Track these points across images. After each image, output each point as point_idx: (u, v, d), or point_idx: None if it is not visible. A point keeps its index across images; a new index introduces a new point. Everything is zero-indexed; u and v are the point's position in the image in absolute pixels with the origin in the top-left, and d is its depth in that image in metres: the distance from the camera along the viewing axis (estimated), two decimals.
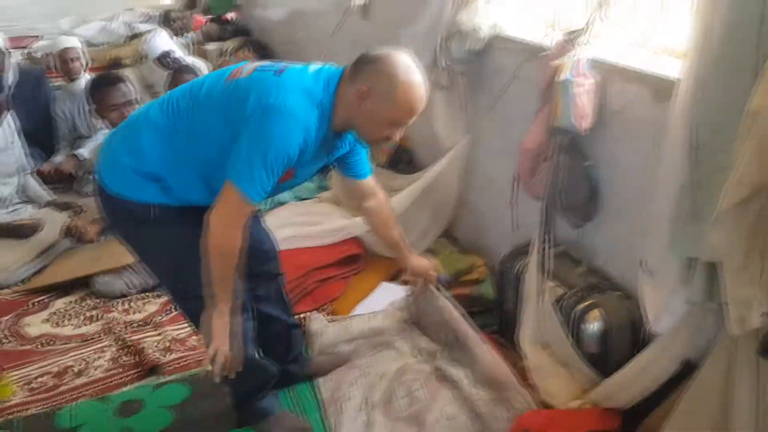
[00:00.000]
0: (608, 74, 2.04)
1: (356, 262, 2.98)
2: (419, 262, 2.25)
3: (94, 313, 2.84)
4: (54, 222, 3.30)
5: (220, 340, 1.74)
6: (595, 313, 2.02)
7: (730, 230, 1.38)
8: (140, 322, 2.76)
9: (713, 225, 1.40)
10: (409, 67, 1.70)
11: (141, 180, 1.81)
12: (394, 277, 2.94)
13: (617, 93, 2.02)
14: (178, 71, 3.79)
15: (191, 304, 1.91)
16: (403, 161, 3.55)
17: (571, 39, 2.11)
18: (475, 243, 3.03)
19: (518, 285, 2.37)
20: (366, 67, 1.70)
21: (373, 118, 1.73)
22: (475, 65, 2.71)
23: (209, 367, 1.81)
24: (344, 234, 3.01)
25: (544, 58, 2.17)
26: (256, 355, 2.05)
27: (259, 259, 2.10)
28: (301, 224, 3.20)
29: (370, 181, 2.09)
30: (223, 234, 1.68)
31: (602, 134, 2.10)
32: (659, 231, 1.70)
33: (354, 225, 3.02)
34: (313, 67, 1.78)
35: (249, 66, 1.80)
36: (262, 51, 6.40)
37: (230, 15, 7.89)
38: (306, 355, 2.42)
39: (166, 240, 1.85)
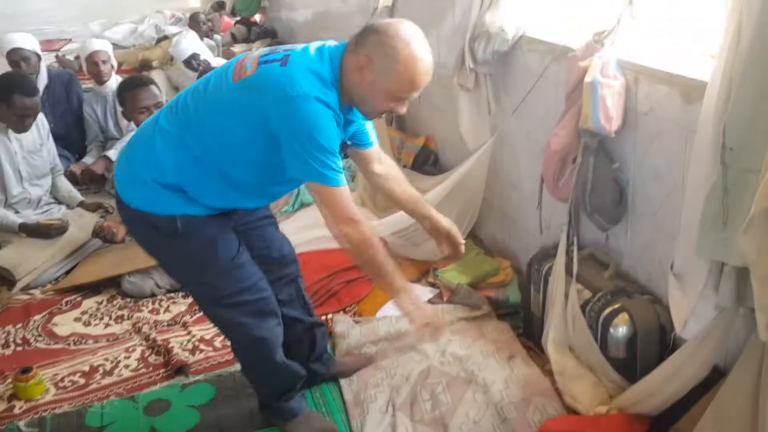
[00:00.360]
0: (637, 75, 2.01)
1: None
2: (448, 224, 2.04)
3: (123, 312, 2.89)
4: (84, 223, 3.36)
5: (425, 314, 1.79)
6: (623, 317, 1.99)
7: (761, 236, 1.35)
8: (168, 322, 2.79)
9: (743, 230, 1.38)
10: (413, 39, 1.64)
11: (163, 192, 1.79)
12: (419, 279, 2.94)
13: (646, 94, 1.99)
14: (205, 73, 3.83)
15: (220, 312, 1.94)
16: (429, 163, 3.55)
17: (599, 39, 2.08)
18: (501, 245, 3.01)
19: (545, 288, 2.35)
20: (368, 38, 1.65)
21: (374, 91, 1.68)
22: (501, 66, 2.69)
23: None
24: None
25: (572, 58, 2.15)
26: (284, 360, 2.07)
27: (279, 264, 2.12)
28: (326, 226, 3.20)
29: (376, 149, 2.02)
30: (349, 231, 1.69)
31: (630, 136, 2.07)
32: (688, 235, 1.68)
33: (379, 227, 3.02)
34: (314, 46, 1.73)
35: (251, 60, 1.73)
36: None
37: (257, 17, 7.97)
38: (330, 355, 2.42)
39: (194, 251, 1.85)
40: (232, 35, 7.43)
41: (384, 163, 2.06)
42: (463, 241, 2.06)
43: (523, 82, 2.58)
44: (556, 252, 2.31)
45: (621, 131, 2.06)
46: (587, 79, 2.02)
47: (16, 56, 4.00)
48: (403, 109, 1.75)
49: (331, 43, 1.76)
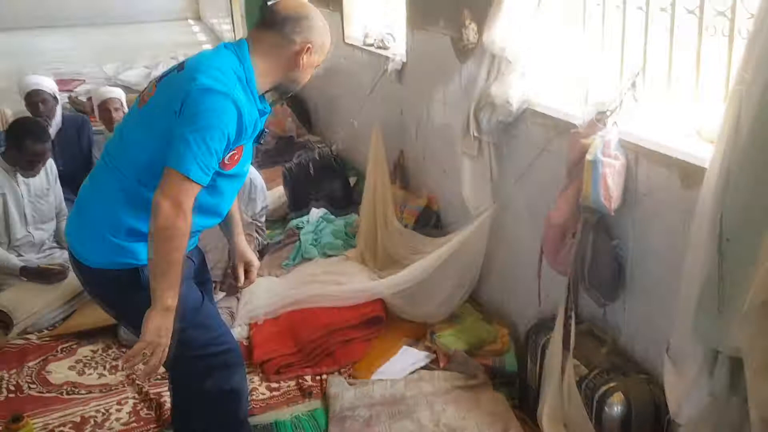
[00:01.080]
0: (638, 155, 2.05)
1: (379, 324, 2.98)
2: (248, 251, 2.18)
3: (117, 362, 2.88)
4: None
5: (164, 337, 1.68)
6: (618, 396, 1.99)
7: (755, 328, 1.36)
8: (161, 375, 2.77)
9: (738, 321, 1.39)
10: (319, 13, 1.88)
11: (122, 242, 1.79)
12: (416, 341, 2.93)
13: (646, 175, 2.03)
14: None
15: (188, 365, 1.89)
16: (431, 224, 3.58)
17: (601, 117, 2.14)
18: (499, 310, 3.01)
19: (542, 360, 2.34)
20: (300, 25, 1.81)
21: (310, 67, 1.88)
22: (505, 136, 2.75)
23: (132, 365, 1.72)
24: (369, 295, 3.03)
25: (575, 134, 2.20)
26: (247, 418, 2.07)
27: None
28: (326, 282, 3.23)
29: None
30: (169, 214, 1.63)
31: (630, 214, 2.11)
32: (684, 318, 1.69)
33: (379, 287, 3.03)
34: (208, 52, 1.84)
35: (150, 86, 1.84)
36: (299, 104, 6.54)
37: None
38: None
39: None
40: None
41: None
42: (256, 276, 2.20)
43: (526, 153, 2.63)
44: (554, 324, 2.32)
45: (621, 209, 2.09)
46: (589, 156, 2.06)
47: (35, 97, 4.09)
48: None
49: (228, 42, 1.86)
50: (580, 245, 2.18)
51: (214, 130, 1.66)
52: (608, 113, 2.15)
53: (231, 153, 1.76)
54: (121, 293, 1.85)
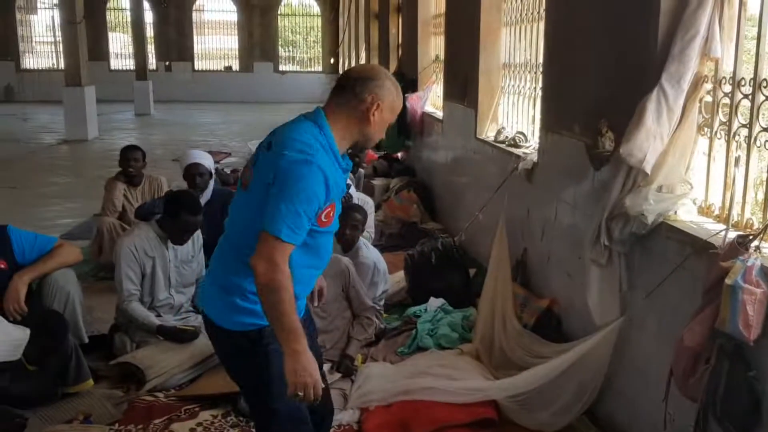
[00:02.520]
0: None
1: (491, 427, 2.93)
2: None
3: (235, 430, 2.99)
4: None
5: (302, 376, 1.87)
6: None
7: None
8: None
9: None
10: (392, 78, 2.08)
11: (249, 305, 1.99)
12: None
13: None
14: (348, 209, 4.10)
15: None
16: (551, 327, 3.51)
17: (743, 242, 2.07)
18: (619, 428, 2.87)
19: None
20: (370, 85, 2.01)
21: (382, 124, 2.05)
22: (637, 248, 2.70)
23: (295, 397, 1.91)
24: (482, 396, 2.99)
25: (713, 256, 2.13)
26: None
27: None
28: (439, 376, 3.22)
29: None
30: (266, 270, 1.84)
31: None
32: None
33: (494, 388, 2.99)
34: (289, 124, 2.03)
35: (247, 172, 2.05)
36: (425, 192, 6.73)
37: (400, 154, 8.44)
38: None
39: (274, 361, 1.97)
40: (374, 168, 7.88)
41: None
42: None
43: (658, 268, 2.56)
44: None
45: (761, 339, 1.98)
46: (728, 281, 1.99)
47: (194, 170, 4.51)
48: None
49: (306, 114, 2.05)
50: (714, 372, 2.07)
51: (302, 193, 1.87)
52: (751, 237, 2.08)
53: (326, 211, 1.96)
54: (245, 353, 2.04)
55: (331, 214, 2.00)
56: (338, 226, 2.12)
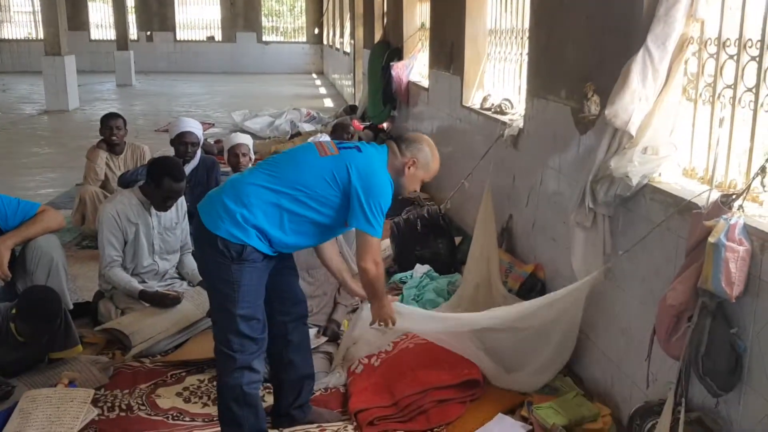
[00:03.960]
0: (764, 243, 1.97)
1: (476, 387, 2.96)
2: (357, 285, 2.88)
3: None
4: (202, 301, 3.56)
5: (391, 314, 2.72)
6: None
7: None
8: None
9: None
10: (435, 148, 2.69)
11: (247, 227, 2.40)
12: (512, 410, 2.88)
13: None
14: None
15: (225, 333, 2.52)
16: (535, 290, 3.54)
17: (726, 201, 2.08)
18: (602, 389, 2.91)
19: None
20: (412, 146, 2.64)
21: (414, 178, 2.65)
22: (621, 210, 2.71)
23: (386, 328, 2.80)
24: (468, 327, 3.06)
25: (697, 215, 2.15)
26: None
27: (290, 301, 2.71)
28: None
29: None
30: (374, 267, 2.54)
31: (752, 303, 2.01)
32: None
33: (476, 318, 3.03)
34: (368, 147, 2.61)
35: (329, 143, 2.59)
36: None
37: (385, 124, 8.40)
38: (309, 406, 2.85)
39: (243, 275, 2.43)
40: (360, 139, 7.84)
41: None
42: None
43: (642, 229, 2.57)
44: (661, 409, 2.22)
45: (742, 297, 2.00)
46: (711, 239, 2.00)
47: (185, 139, 4.47)
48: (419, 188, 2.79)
49: (377, 145, 2.67)
50: (696, 330, 2.09)
51: (383, 204, 2.48)
52: (734, 197, 2.09)
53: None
54: (224, 262, 2.43)
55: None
56: None
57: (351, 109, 10.75)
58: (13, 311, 2.91)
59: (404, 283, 4.09)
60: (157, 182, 3.46)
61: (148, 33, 22.57)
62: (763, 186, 2.13)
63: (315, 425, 2.79)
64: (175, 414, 2.87)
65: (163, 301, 3.50)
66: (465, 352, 3.09)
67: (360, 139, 7.82)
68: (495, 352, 3.10)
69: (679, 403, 2.15)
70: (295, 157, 2.56)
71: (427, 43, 7.11)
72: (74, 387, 2.87)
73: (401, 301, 3.81)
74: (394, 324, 2.72)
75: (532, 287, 3.59)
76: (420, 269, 4.20)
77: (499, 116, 4.48)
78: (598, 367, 2.97)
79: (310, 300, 3.38)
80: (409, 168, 2.59)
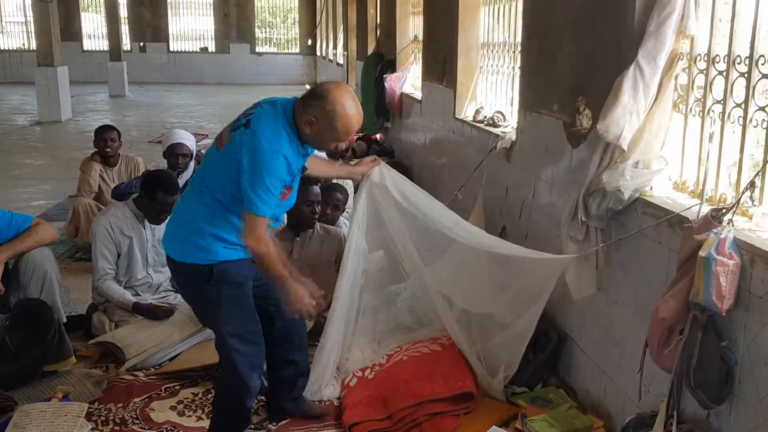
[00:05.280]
0: (753, 257, 1.99)
1: (470, 400, 2.96)
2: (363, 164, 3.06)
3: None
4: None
5: (304, 294, 2.43)
6: None
7: None
8: (255, 425, 2.87)
9: None
10: (346, 103, 2.38)
11: (206, 245, 2.42)
12: (506, 423, 2.89)
13: (761, 278, 1.96)
14: (329, 188, 4.10)
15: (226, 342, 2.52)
16: None
17: (717, 215, 2.11)
18: (596, 401, 2.93)
19: None
20: (312, 103, 2.39)
21: (320, 138, 2.44)
22: (613, 223, 2.73)
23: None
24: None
25: (688, 229, 2.17)
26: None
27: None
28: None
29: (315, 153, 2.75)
30: (258, 246, 2.35)
31: (743, 316, 2.04)
32: None
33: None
34: (267, 106, 2.43)
35: (226, 132, 2.44)
36: (404, 173, 6.69)
37: (378, 135, 8.42)
38: (303, 399, 2.95)
39: (221, 294, 2.46)
40: (353, 150, 7.85)
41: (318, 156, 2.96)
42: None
43: (635, 243, 2.60)
44: (653, 421, 2.24)
45: (733, 310, 2.03)
46: (702, 253, 2.02)
47: (178, 150, 4.48)
48: (342, 145, 2.59)
49: (283, 98, 2.48)
50: (688, 343, 2.11)
51: (271, 179, 2.31)
52: (724, 211, 2.12)
53: (287, 190, 2.41)
54: (195, 283, 2.48)
55: (290, 191, 2.45)
56: (294, 202, 2.57)
57: None
58: (7, 323, 2.91)
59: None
60: (151, 195, 3.47)
61: (141, 44, 22.57)
62: (752, 200, 2.16)
63: None
64: (169, 428, 2.86)
65: (156, 314, 3.50)
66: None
67: (354, 150, 7.87)
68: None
69: (671, 415, 2.17)
70: (205, 161, 2.57)
71: (420, 56, 7.15)
72: (68, 401, 2.86)
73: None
74: (315, 313, 2.60)
75: None
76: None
77: (491, 129, 4.51)
78: (591, 379, 2.98)
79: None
80: (308, 128, 2.39)
